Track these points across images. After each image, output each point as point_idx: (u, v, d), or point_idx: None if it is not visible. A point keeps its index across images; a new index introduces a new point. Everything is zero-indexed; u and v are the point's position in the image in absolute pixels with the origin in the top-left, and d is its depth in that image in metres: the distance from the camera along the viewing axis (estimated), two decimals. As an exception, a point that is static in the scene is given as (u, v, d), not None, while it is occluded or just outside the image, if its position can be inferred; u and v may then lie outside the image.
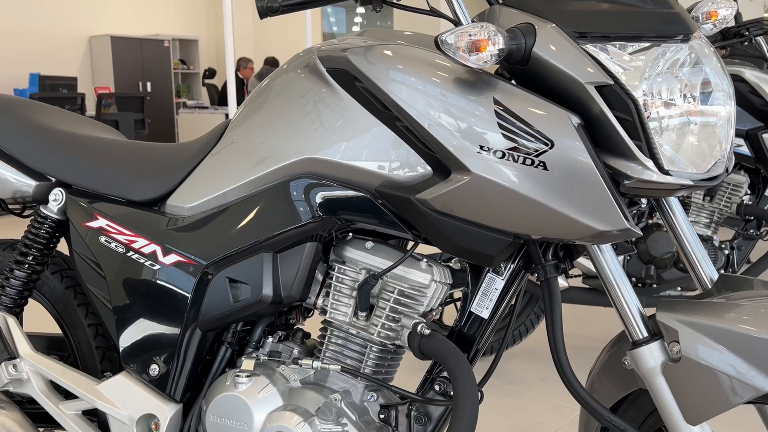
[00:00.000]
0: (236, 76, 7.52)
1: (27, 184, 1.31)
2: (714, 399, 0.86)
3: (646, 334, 0.95)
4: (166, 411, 1.14)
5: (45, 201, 1.29)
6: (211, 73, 10.38)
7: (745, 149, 2.22)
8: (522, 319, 2.56)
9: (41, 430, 1.29)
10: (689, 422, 0.90)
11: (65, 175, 1.28)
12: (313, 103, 1.06)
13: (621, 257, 2.34)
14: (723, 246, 2.40)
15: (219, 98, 9.76)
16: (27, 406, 1.30)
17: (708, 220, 2.42)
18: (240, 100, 7.07)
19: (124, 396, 1.17)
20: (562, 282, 2.37)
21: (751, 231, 2.40)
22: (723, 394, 0.85)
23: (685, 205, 2.43)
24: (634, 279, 2.38)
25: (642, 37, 0.89)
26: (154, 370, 1.16)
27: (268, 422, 1.06)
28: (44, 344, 1.43)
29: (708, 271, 1.05)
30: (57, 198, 1.28)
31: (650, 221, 2.39)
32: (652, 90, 0.89)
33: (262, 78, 7.81)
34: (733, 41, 2.03)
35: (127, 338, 1.19)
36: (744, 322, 0.86)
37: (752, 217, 2.39)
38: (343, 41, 1.07)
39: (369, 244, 1.10)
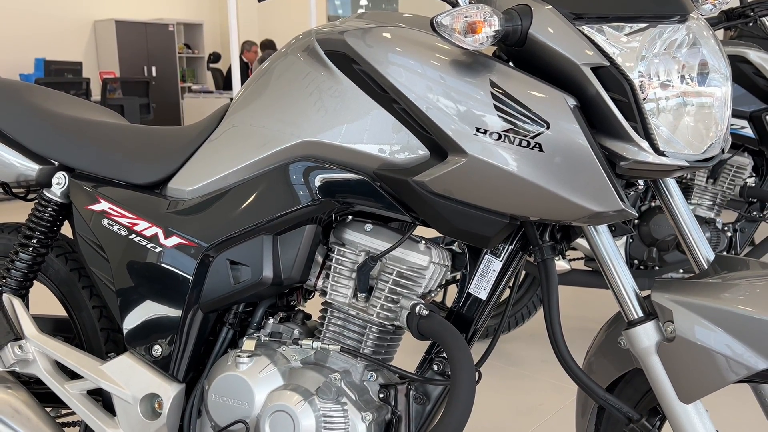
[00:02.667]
0: (240, 59, 7.50)
1: (30, 167, 1.32)
2: (707, 378, 0.87)
3: (641, 314, 0.96)
4: (169, 390, 1.16)
5: (48, 184, 1.30)
6: (215, 57, 10.35)
7: (748, 131, 2.21)
8: (524, 302, 2.58)
9: (48, 410, 1.31)
10: (683, 400, 0.91)
11: (68, 159, 1.30)
12: (312, 86, 1.06)
13: (623, 240, 2.35)
14: (726, 228, 2.39)
15: (224, 82, 9.75)
16: (33, 386, 1.32)
17: (711, 203, 2.41)
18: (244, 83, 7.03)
19: (127, 376, 1.19)
20: (563, 264, 2.39)
21: (754, 213, 2.39)
22: (716, 372, 0.86)
23: (688, 187, 2.42)
24: (636, 261, 2.38)
25: (639, 18, 0.89)
26: (157, 350, 1.18)
27: (269, 401, 1.08)
28: (50, 326, 1.45)
29: (705, 252, 1.06)
30: (60, 181, 1.29)
31: (653, 204, 2.39)
32: (649, 71, 0.89)
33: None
34: (738, 22, 2.01)
35: (130, 319, 1.20)
36: (738, 302, 0.87)
37: (755, 200, 2.38)
38: (342, 24, 1.07)
39: (368, 227, 1.11)
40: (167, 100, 9.66)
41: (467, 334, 1.12)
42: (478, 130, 0.92)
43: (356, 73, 1.02)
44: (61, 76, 7.30)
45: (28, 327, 1.28)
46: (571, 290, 2.98)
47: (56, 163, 1.31)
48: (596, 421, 1.17)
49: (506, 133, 0.91)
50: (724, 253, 2.25)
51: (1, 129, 1.33)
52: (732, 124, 2.16)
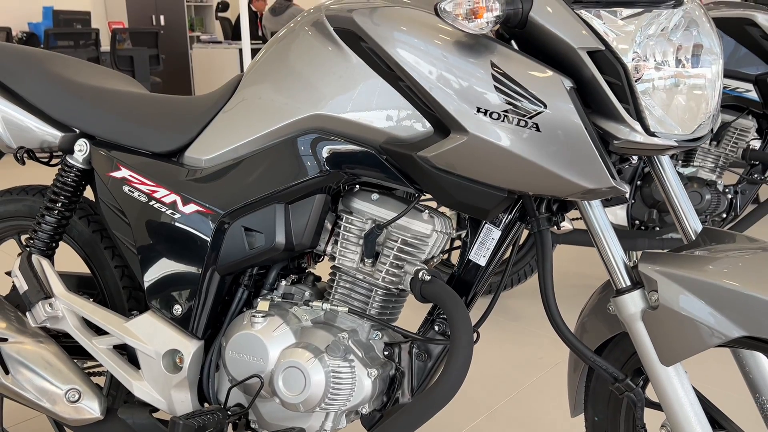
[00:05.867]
0: (249, 9, 7.42)
1: (53, 134, 1.38)
2: (686, 343, 0.94)
3: (629, 283, 1.02)
4: (189, 347, 1.25)
5: (71, 151, 1.36)
6: (224, 5, 10.22)
7: (753, 94, 2.22)
8: (527, 260, 2.65)
9: (76, 361, 1.40)
10: (663, 363, 0.98)
11: (89, 127, 1.35)
12: (321, 61, 1.11)
13: (624, 204, 2.39)
14: (726, 190, 2.43)
15: (233, 32, 9.65)
16: (62, 340, 1.41)
17: (713, 165, 2.44)
18: (253, 33, 6.98)
19: (150, 333, 1.28)
20: (566, 225, 2.44)
21: (755, 176, 2.43)
22: (694, 338, 0.93)
23: (691, 149, 2.45)
24: (637, 222, 2.43)
25: (635, 3, 0.93)
26: (177, 309, 1.26)
27: (282, 358, 1.17)
28: (75, 283, 1.53)
29: (693, 223, 1.11)
30: (82, 148, 1.35)
31: (656, 166, 2.42)
32: (645, 53, 0.93)
33: (276, 12, 7.67)
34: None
35: (151, 281, 1.28)
36: (720, 275, 0.93)
37: (758, 162, 2.41)
38: (351, 1, 1.11)
39: (375, 196, 1.18)
40: (176, 50, 9.58)
41: (467, 297, 1.20)
42: (479, 109, 0.97)
43: (364, 51, 1.06)
44: (70, 26, 7.26)
45: (57, 286, 1.36)
46: (574, 249, 3.05)
47: (78, 130, 1.37)
48: (587, 378, 1.26)
49: (505, 113, 0.95)
50: (728, 216, 2.31)
51: (24, 97, 1.39)
52: (737, 87, 2.19)
